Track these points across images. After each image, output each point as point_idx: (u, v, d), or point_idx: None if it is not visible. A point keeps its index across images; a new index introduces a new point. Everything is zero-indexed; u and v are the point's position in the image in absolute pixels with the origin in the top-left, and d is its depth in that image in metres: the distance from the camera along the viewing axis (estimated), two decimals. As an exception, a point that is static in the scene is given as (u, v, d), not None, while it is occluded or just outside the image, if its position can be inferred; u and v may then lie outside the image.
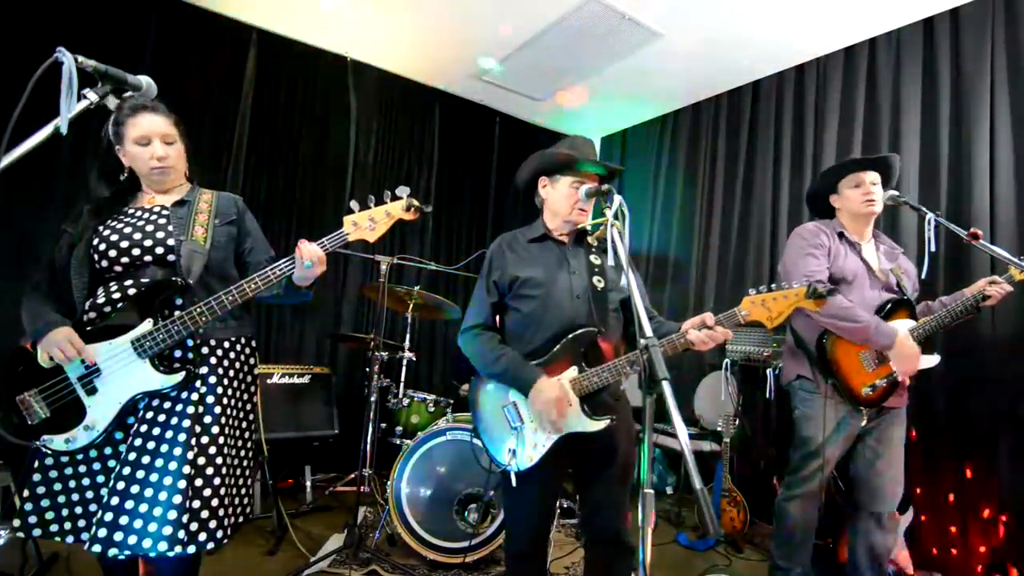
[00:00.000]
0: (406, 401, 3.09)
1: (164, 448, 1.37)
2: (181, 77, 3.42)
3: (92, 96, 1.09)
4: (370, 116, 4.26)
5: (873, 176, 2.18)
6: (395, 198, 1.49)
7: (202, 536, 1.36)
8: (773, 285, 1.46)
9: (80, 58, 1.04)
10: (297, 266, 1.44)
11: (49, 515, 1.39)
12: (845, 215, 2.25)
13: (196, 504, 1.36)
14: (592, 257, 1.72)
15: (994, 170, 2.78)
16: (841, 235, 2.21)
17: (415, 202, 1.48)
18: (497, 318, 1.79)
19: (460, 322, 1.81)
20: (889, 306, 2.10)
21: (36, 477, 1.40)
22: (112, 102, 1.24)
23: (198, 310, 1.41)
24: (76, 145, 3.14)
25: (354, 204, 1.48)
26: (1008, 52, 2.81)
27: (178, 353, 1.47)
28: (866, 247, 2.23)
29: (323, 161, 4.05)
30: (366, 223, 1.47)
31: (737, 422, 3.17)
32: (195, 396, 1.43)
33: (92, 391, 1.40)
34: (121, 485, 1.33)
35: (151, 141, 1.52)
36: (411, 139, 4.49)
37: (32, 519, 1.38)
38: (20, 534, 1.39)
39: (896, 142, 3.16)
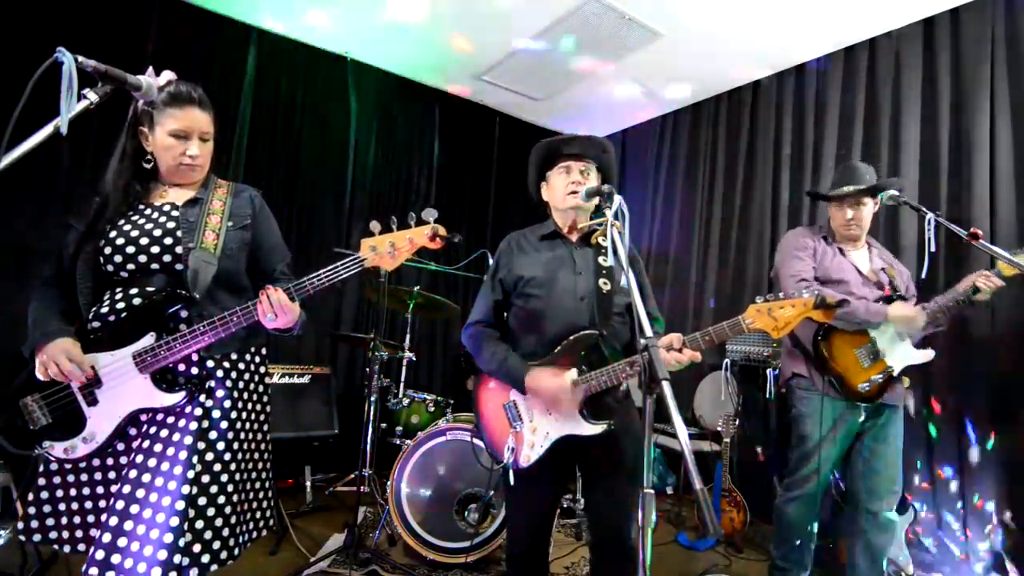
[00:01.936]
0: (406, 401, 3.09)
1: (165, 467, 1.29)
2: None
3: (92, 96, 1.08)
4: (370, 116, 4.26)
5: (856, 199, 2.21)
6: (420, 222, 1.32)
7: (205, 557, 1.29)
8: (781, 294, 1.44)
9: (80, 58, 1.02)
10: (260, 316, 1.33)
11: (50, 521, 1.36)
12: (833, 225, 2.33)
13: (200, 524, 1.30)
14: (600, 259, 1.71)
15: (994, 170, 2.78)
16: (826, 238, 2.28)
17: (441, 230, 1.32)
18: (505, 315, 1.79)
19: (460, 322, 1.81)
20: (881, 303, 2.12)
21: (40, 482, 1.36)
22: (151, 84, 1.21)
23: (201, 329, 1.32)
24: (76, 145, 3.14)
25: (374, 225, 1.33)
26: (1008, 52, 2.81)
27: (181, 367, 1.39)
28: (855, 251, 2.28)
29: (323, 161, 4.05)
30: (386, 249, 1.32)
31: (737, 422, 3.17)
32: (200, 411, 1.35)
33: (93, 402, 1.35)
34: (120, 505, 1.26)
35: (189, 137, 1.43)
36: (411, 139, 4.49)
37: (34, 523, 1.35)
38: (22, 537, 1.36)
39: (896, 142, 3.16)
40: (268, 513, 1.53)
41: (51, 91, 1.00)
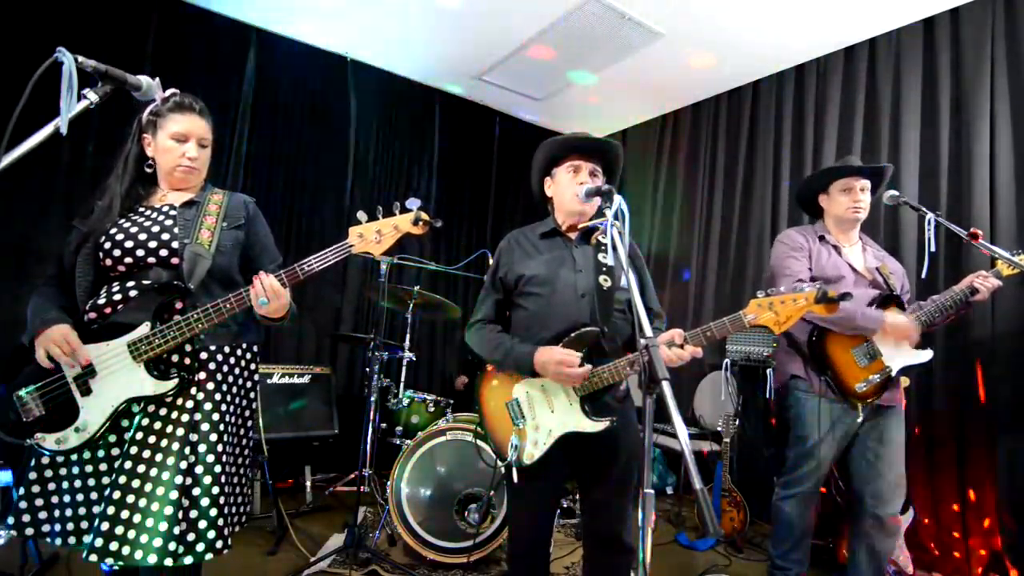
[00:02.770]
0: (406, 401, 3.09)
1: (159, 457, 1.34)
2: (181, 77, 3.40)
3: (92, 96, 1.08)
4: (370, 116, 4.26)
5: (864, 183, 2.21)
6: (404, 210, 1.41)
7: (200, 547, 1.33)
8: (783, 288, 1.42)
9: (80, 58, 1.03)
10: (252, 301, 1.38)
11: (42, 515, 1.37)
12: (830, 217, 2.29)
13: (193, 514, 1.34)
14: (600, 256, 1.71)
15: (994, 170, 2.78)
16: (822, 238, 2.25)
17: (424, 216, 1.40)
18: (507, 314, 1.80)
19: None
20: (876, 303, 2.11)
21: (32, 476, 1.38)
22: (157, 94, 1.27)
23: (195, 316, 1.38)
24: (76, 145, 3.14)
25: (361, 215, 1.42)
26: (1008, 52, 2.81)
27: (175, 358, 1.44)
28: (849, 249, 2.25)
29: (323, 161, 4.06)
30: (372, 236, 1.41)
31: (737, 422, 3.17)
32: (191, 404, 1.40)
33: (87, 392, 1.38)
34: (116, 495, 1.30)
35: (188, 140, 1.52)
36: (411, 139, 4.49)
37: (26, 517, 1.36)
38: (13, 533, 1.37)
39: (896, 142, 3.17)
40: (244, 508, 1.57)
41: (51, 91, 1.00)
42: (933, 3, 3.02)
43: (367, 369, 3.11)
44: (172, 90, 1.53)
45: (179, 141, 1.51)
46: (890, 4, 3.06)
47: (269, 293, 1.37)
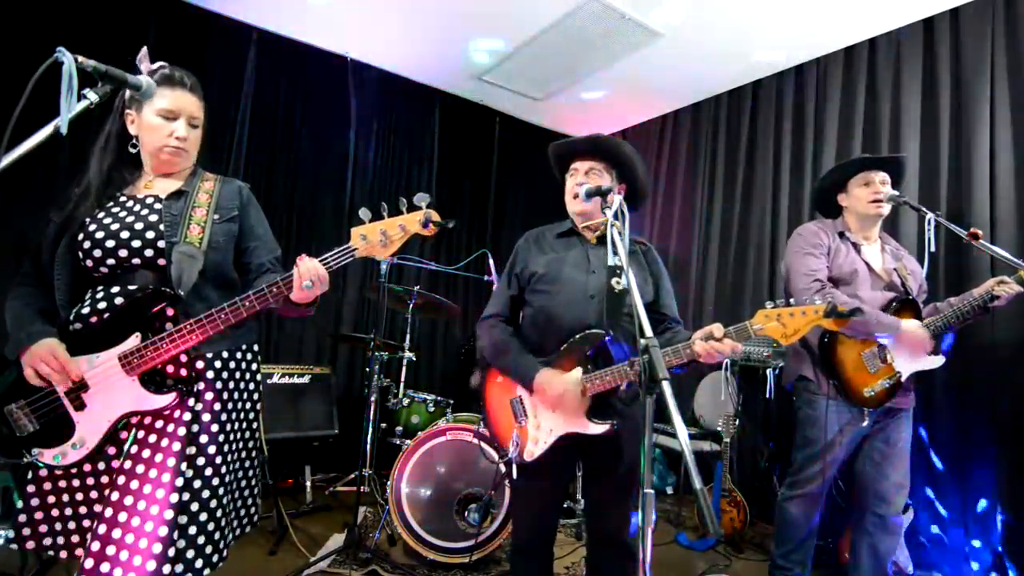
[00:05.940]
0: (406, 401, 3.09)
1: (153, 474, 1.25)
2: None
3: (92, 96, 1.07)
4: (370, 116, 4.26)
5: (883, 176, 2.18)
6: (412, 207, 1.26)
7: (198, 563, 1.27)
8: (792, 300, 1.40)
9: (80, 58, 1.02)
10: (295, 285, 1.25)
11: (43, 528, 1.33)
12: (851, 214, 2.25)
13: (193, 530, 1.27)
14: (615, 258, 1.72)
15: (994, 170, 2.78)
16: (842, 235, 2.21)
17: (434, 216, 1.25)
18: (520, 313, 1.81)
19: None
20: (894, 305, 2.09)
21: (30, 489, 1.33)
22: (151, 84, 1.19)
23: (188, 328, 1.26)
24: (76, 145, 3.13)
25: (364, 213, 1.27)
26: (1008, 52, 2.81)
27: (170, 368, 1.34)
28: (868, 248, 2.22)
29: (323, 161, 4.06)
30: (378, 238, 1.25)
31: (737, 422, 3.17)
32: (189, 416, 1.31)
33: (80, 406, 1.30)
34: (108, 512, 1.23)
35: (177, 118, 1.38)
36: (411, 139, 4.49)
37: (26, 531, 1.32)
38: (14, 546, 1.33)
39: (896, 142, 3.16)
40: (252, 510, 1.51)
41: (51, 91, 1.00)
42: (933, 3, 3.02)
43: (367, 369, 3.11)
44: (160, 63, 1.38)
45: (167, 119, 1.37)
46: (890, 4, 3.05)
47: (313, 276, 1.24)
